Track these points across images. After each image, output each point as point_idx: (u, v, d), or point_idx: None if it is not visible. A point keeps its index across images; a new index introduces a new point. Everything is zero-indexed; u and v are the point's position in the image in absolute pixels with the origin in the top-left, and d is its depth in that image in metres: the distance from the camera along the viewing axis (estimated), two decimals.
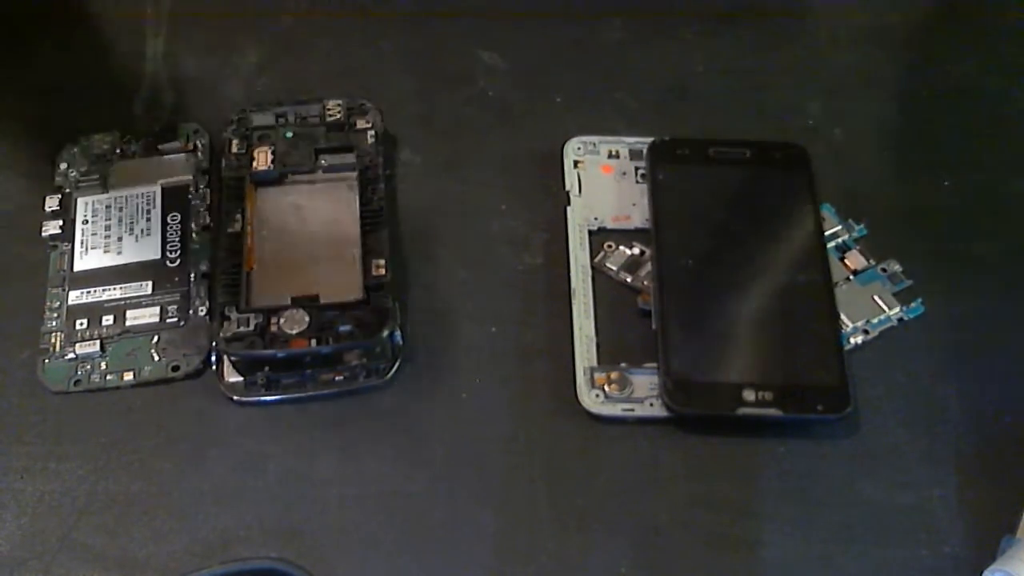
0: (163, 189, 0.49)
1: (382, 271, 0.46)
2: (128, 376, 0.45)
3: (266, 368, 0.45)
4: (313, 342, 0.44)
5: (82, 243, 0.48)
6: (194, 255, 0.48)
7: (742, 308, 0.47)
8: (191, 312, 0.46)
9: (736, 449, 0.45)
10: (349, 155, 0.49)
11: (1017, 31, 0.58)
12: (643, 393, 0.45)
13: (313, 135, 0.50)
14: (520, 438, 0.45)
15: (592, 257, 0.49)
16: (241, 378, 0.45)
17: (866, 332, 0.48)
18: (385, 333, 0.44)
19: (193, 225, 0.49)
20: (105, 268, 0.47)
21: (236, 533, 0.43)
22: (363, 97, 0.51)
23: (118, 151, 0.51)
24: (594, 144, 0.52)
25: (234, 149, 0.49)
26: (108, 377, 0.45)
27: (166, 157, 0.50)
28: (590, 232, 0.49)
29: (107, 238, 0.48)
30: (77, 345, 0.46)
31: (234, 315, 0.44)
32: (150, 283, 0.47)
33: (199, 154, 0.50)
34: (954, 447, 0.45)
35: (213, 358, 0.46)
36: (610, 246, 0.49)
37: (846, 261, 0.49)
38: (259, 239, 0.47)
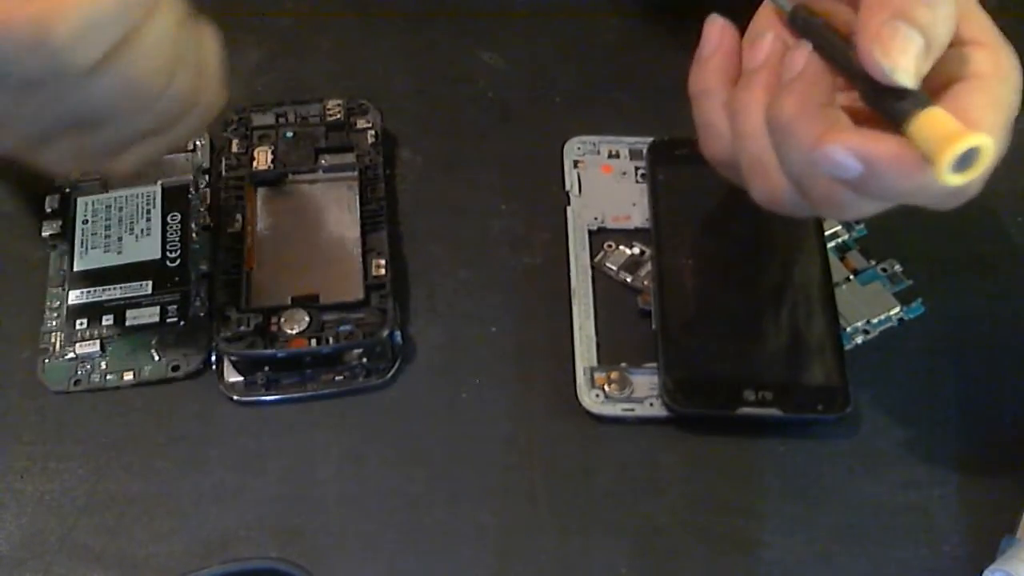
0: (163, 189, 0.49)
1: (382, 271, 0.46)
2: (128, 376, 0.45)
3: (266, 368, 0.45)
4: (313, 342, 0.44)
5: (82, 243, 0.48)
6: (194, 255, 0.48)
7: (742, 308, 0.47)
8: (191, 312, 0.46)
9: (736, 449, 0.45)
10: (349, 155, 0.49)
11: (1017, 31, 0.58)
12: (643, 393, 0.45)
13: (313, 135, 0.50)
14: (520, 438, 0.45)
15: (592, 257, 0.49)
16: (241, 378, 0.45)
17: (866, 332, 0.48)
18: (385, 333, 0.44)
19: (193, 225, 0.49)
20: (105, 268, 0.47)
21: (236, 533, 0.43)
22: (363, 97, 0.51)
23: None
24: (594, 144, 0.52)
25: (234, 149, 0.49)
26: (108, 377, 0.45)
27: (166, 157, 0.50)
28: (590, 232, 0.49)
29: (107, 238, 0.48)
30: (77, 345, 0.46)
31: (234, 315, 0.44)
32: (150, 283, 0.47)
33: (199, 154, 0.50)
34: (954, 447, 0.45)
35: (213, 358, 0.46)
36: (610, 246, 0.49)
37: (846, 261, 0.49)
38: (259, 239, 0.47)
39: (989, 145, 0.32)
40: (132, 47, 0.34)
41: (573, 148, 0.51)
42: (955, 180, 0.32)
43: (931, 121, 0.33)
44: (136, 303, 0.47)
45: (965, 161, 0.32)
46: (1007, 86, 0.35)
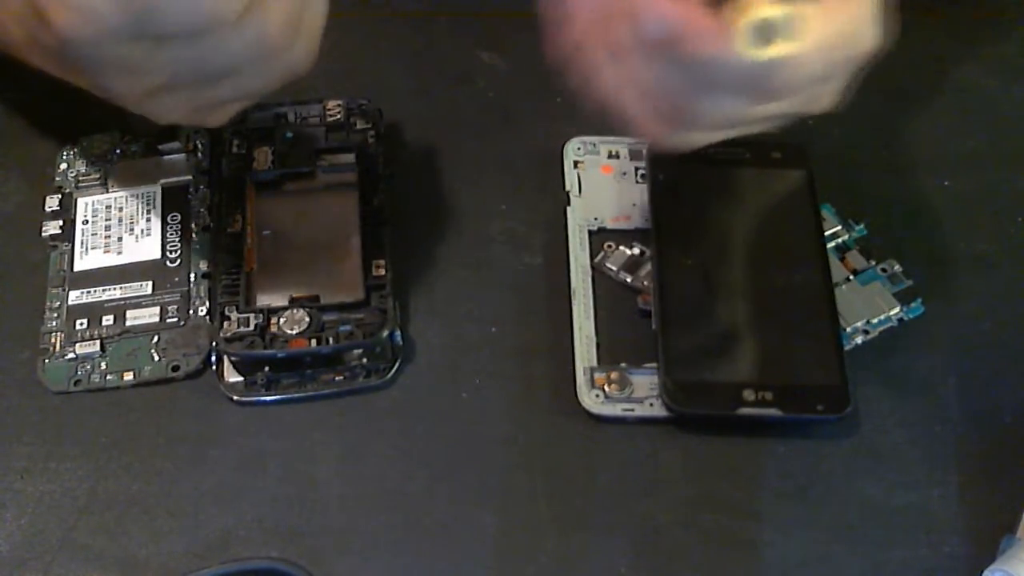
0: (163, 189, 0.49)
1: (382, 271, 0.46)
2: (128, 376, 0.45)
3: (266, 368, 0.45)
4: (313, 342, 0.44)
5: (82, 243, 0.48)
6: (194, 255, 0.48)
7: (742, 308, 0.47)
8: (191, 312, 0.46)
9: (736, 449, 0.45)
10: (349, 155, 0.49)
11: (1017, 31, 0.58)
12: (643, 393, 0.45)
13: (313, 135, 0.50)
14: (520, 438, 0.45)
15: (592, 257, 0.49)
16: (241, 378, 0.45)
17: (866, 332, 0.48)
18: (385, 333, 0.44)
19: (193, 225, 0.49)
20: (105, 268, 0.47)
21: (236, 533, 0.43)
22: (363, 97, 0.51)
23: (118, 151, 0.51)
24: (594, 144, 0.52)
25: (234, 149, 0.49)
26: (108, 377, 0.45)
27: (166, 157, 0.50)
28: (590, 232, 0.49)
29: (107, 238, 0.48)
30: (77, 345, 0.46)
31: (234, 315, 0.44)
32: (150, 283, 0.47)
33: (199, 154, 0.50)
34: (954, 447, 0.45)
35: (213, 358, 0.46)
36: (610, 246, 0.49)
37: (846, 261, 0.49)
38: (259, 239, 0.47)
39: (784, 20, 0.33)
40: (269, 2, 0.36)
41: (573, 148, 0.51)
42: (753, 51, 0.34)
43: (744, 2, 0.34)
44: (136, 303, 0.47)
45: (764, 35, 0.33)
46: (850, 6, 0.37)
